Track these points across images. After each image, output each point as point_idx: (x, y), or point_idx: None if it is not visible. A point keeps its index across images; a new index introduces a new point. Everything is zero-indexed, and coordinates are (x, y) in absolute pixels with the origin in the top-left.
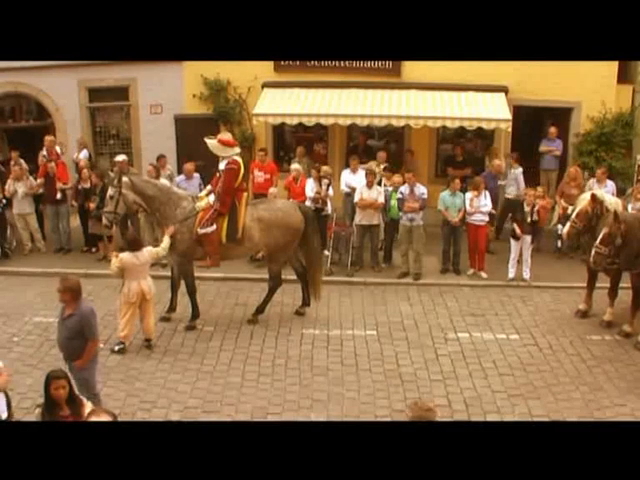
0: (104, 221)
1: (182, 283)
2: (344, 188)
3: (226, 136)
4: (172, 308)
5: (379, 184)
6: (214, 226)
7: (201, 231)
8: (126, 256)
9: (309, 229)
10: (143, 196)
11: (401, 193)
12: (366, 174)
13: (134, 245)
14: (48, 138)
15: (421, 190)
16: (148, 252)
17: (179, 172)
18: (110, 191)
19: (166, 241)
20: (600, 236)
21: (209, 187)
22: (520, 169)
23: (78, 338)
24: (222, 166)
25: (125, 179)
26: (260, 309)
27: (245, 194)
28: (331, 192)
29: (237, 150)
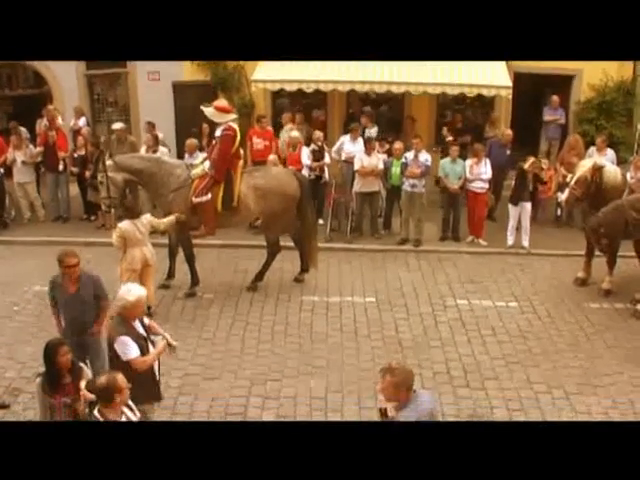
0: (104, 208)
1: (180, 250)
2: (334, 155)
3: (222, 102)
4: (171, 275)
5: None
6: (209, 195)
7: (196, 200)
8: (126, 225)
9: (304, 197)
10: (131, 171)
11: (405, 158)
12: (365, 141)
13: (133, 212)
14: (50, 107)
15: (425, 157)
16: (147, 220)
17: (177, 141)
18: (99, 177)
19: (171, 218)
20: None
21: (204, 154)
22: (375, 128)
23: (93, 306)
24: (218, 133)
25: (108, 162)
26: (259, 277)
27: (240, 162)
28: (327, 159)
29: (233, 116)
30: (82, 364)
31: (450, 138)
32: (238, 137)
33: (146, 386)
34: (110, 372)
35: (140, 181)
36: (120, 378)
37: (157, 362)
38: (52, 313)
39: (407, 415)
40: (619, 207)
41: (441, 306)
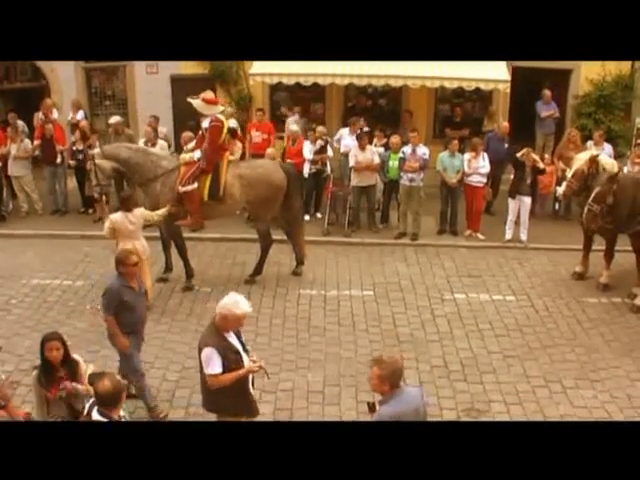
0: (96, 195)
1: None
2: (335, 143)
3: (209, 95)
4: (168, 268)
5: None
6: (195, 184)
7: (182, 189)
8: (117, 217)
9: (291, 188)
10: (118, 160)
11: (403, 152)
12: (357, 136)
13: (126, 204)
14: (48, 101)
15: (423, 150)
16: (140, 213)
17: (175, 134)
18: (87, 165)
19: (164, 210)
20: (593, 194)
21: (193, 144)
22: (296, 116)
23: None
24: (205, 124)
25: (96, 150)
26: (257, 270)
27: (227, 153)
28: (330, 153)
29: (221, 108)
30: (77, 356)
31: (366, 129)
32: (225, 128)
33: (234, 398)
34: (110, 374)
35: (127, 171)
36: (118, 378)
37: (251, 377)
38: (109, 324)
39: (387, 411)
40: (635, 181)
41: (439, 300)
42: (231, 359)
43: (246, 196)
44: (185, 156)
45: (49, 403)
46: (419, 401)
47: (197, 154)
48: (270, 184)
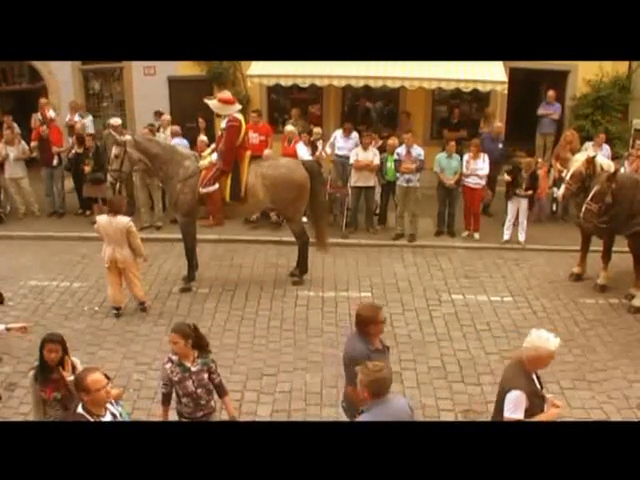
0: (109, 179)
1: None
2: (328, 149)
3: (225, 94)
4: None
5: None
6: (216, 185)
7: (203, 190)
8: (102, 219)
9: (315, 184)
10: (147, 154)
11: (397, 154)
12: (361, 136)
13: (113, 207)
14: (42, 100)
15: (418, 151)
16: (124, 225)
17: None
18: (115, 150)
19: (143, 252)
20: (591, 193)
21: (212, 146)
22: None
23: None
24: (223, 124)
25: (129, 137)
26: (302, 269)
27: (248, 152)
28: (324, 154)
29: (238, 107)
30: (75, 359)
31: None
32: (243, 127)
33: None
34: (88, 368)
35: (151, 166)
36: (91, 379)
37: None
38: (355, 395)
39: (363, 421)
40: (634, 182)
41: (436, 301)
42: (535, 404)
43: (270, 196)
44: (204, 162)
45: (45, 404)
46: (401, 414)
47: (214, 157)
48: (293, 184)
